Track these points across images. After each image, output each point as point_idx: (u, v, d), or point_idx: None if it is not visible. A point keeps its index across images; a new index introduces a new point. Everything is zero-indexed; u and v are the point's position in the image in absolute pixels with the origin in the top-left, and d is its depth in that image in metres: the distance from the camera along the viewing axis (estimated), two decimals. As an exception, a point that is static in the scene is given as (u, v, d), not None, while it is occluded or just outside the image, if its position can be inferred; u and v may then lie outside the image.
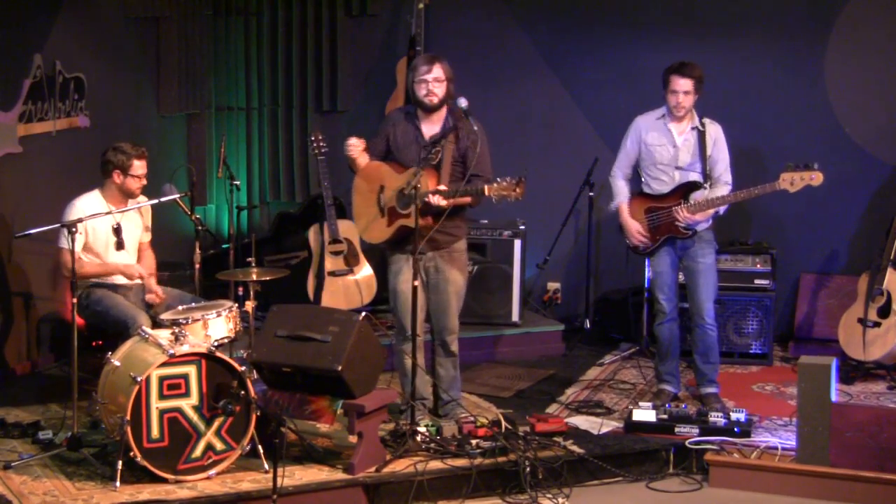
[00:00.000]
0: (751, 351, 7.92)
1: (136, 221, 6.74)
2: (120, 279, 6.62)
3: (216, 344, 5.93)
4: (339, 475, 5.82)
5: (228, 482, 5.69)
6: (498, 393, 7.24)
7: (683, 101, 6.70)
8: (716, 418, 6.39)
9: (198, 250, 6.72)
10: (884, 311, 7.36)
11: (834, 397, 6.06)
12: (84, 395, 6.08)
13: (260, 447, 5.83)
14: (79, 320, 6.11)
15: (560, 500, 5.88)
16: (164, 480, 5.62)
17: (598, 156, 8.19)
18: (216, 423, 5.72)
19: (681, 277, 6.99)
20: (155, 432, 5.61)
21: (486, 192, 6.14)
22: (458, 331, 6.58)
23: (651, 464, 6.27)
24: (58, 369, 7.49)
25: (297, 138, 9.13)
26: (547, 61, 8.79)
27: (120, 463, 5.57)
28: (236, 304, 6.33)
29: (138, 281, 6.62)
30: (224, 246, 8.32)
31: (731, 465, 6.15)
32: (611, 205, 7.01)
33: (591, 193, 8.33)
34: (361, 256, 7.92)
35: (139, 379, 5.55)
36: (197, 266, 6.72)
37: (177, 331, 5.81)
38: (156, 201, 6.59)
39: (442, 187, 6.20)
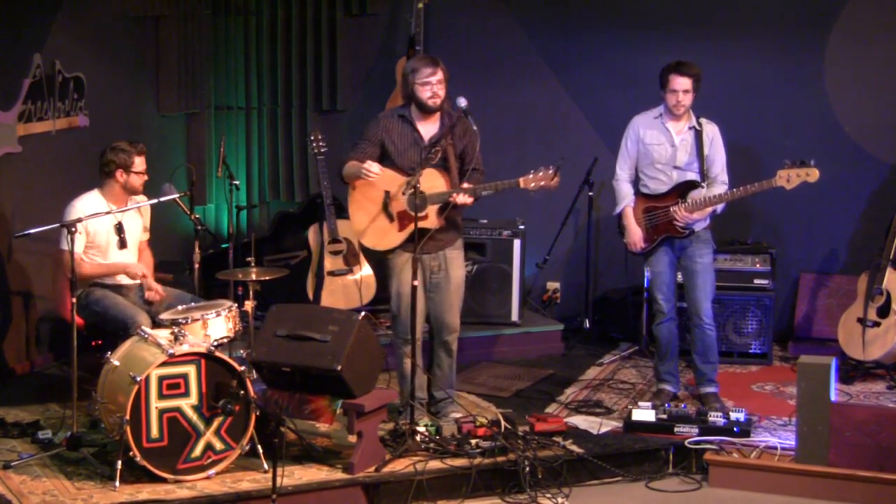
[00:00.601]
0: (750, 350, 7.92)
1: (137, 221, 6.74)
2: (122, 279, 6.62)
3: (216, 343, 5.92)
4: (339, 475, 5.82)
5: (228, 482, 5.69)
6: (497, 393, 7.23)
7: (683, 100, 6.70)
8: (715, 418, 6.39)
9: (197, 250, 6.72)
10: (883, 311, 7.36)
11: (833, 397, 6.06)
12: (83, 394, 6.07)
13: (259, 447, 5.82)
14: (78, 320, 6.11)
15: (559, 499, 5.88)
16: (164, 480, 5.62)
17: (597, 156, 8.20)
18: (215, 423, 5.72)
19: (679, 277, 7.00)
20: (154, 432, 5.61)
21: (522, 185, 6.23)
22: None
23: (650, 463, 6.27)
24: (57, 369, 7.50)
25: (296, 138, 9.13)
26: (546, 61, 8.79)
27: (119, 462, 5.57)
28: (236, 304, 6.32)
29: (139, 280, 6.62)
30: (223, 245, 8.32)
31: (731, 465, 6.15)
32: (616, 208, 6.99)
33: (590, 193, 8.34)
34: (361, 256, 7.92)
35: (139, 378, 5.55)
36: (196, 266, 6.72)
37: (176, 330, 5.81)
38: (155, 201, 6.59)
39: (466, 185, 6.23)
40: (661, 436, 6.36)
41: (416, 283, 6.15)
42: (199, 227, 6.74)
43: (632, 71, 8.39)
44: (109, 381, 5.79)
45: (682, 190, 6.76)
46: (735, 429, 6.33)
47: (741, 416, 6.40)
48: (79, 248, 6.33)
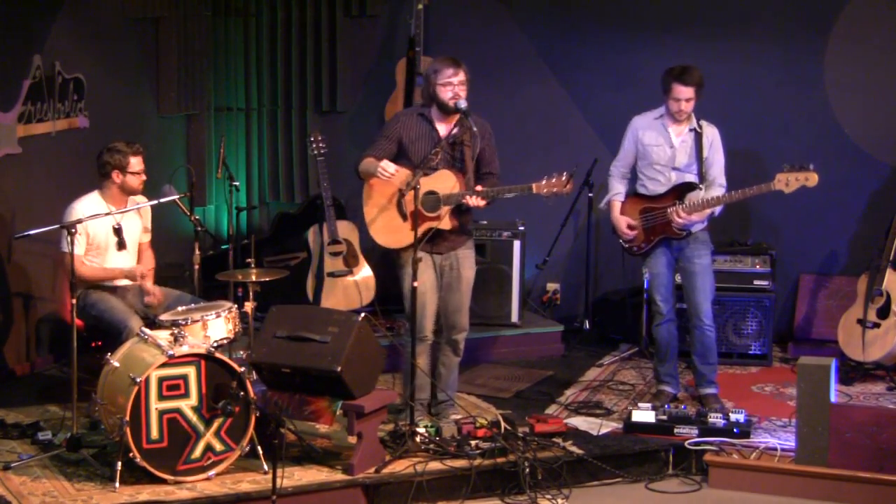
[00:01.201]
0: (750, 352, 7.92)
1: (136, 222, 6.74)
2: (122, 281, 6.62)
3: (215, 345, 5.92)
4: (339, 476, 5.82)
5: (228, 483, 5.69)
6: (497, 394, 7.23)
7: (685, 108, 6.71)
8: (715, 419, 6.39)
9: (197, 251, 6.72)
10: (883, 312, 7.36)
11: (833, 398, 6.06)
12: (83, 395, 6.07)
13: (259, 448, 5.82)
14: (78, 321, 6.11)
15: (559, 500, 5.88)
16: (164, 481, 5.62)
17: (597, 156, 8.20)
18: (215, 424, 5.72)
19: (678, 279, 7.00)
20: (154, 433, 5.61)
21: (535, 190, 6.24)
22: (463, 330, 6.61)
23: (650, 464, 6.27)
24: (57, 370, 7.49)
25: (296, 139, 9.13)
26: (546, 62, 8.79)
27: (119, 464, 5.57)
28: (235, 305, 6.32)
29: (138, 282, 6.62)
30: (223, 247, 8.33)
31: (731, 466, 6.15)
32: (603, 201, 7.02)
33: (590, 194, 8.34)
34: (361, 257, 7.91)
35: (138, 380, 5.55)
36: (196, 267, 6.72)
37: (176, 331, 5.81)
38: (155, 202, 6.60)
39: (479, 188, 6.25)
40: (661, 437, 6.36)
41: (416, 283, 6.15)
42: (199, 229, 6.73)
43: (632, 71, 8.40)
44: (109, 383, 5.79)
45: (680, 191, 6.76)
46: (735, 430, 6.32)
47: (741, 418, 6.40)
48: (79, 249, 6.33)
